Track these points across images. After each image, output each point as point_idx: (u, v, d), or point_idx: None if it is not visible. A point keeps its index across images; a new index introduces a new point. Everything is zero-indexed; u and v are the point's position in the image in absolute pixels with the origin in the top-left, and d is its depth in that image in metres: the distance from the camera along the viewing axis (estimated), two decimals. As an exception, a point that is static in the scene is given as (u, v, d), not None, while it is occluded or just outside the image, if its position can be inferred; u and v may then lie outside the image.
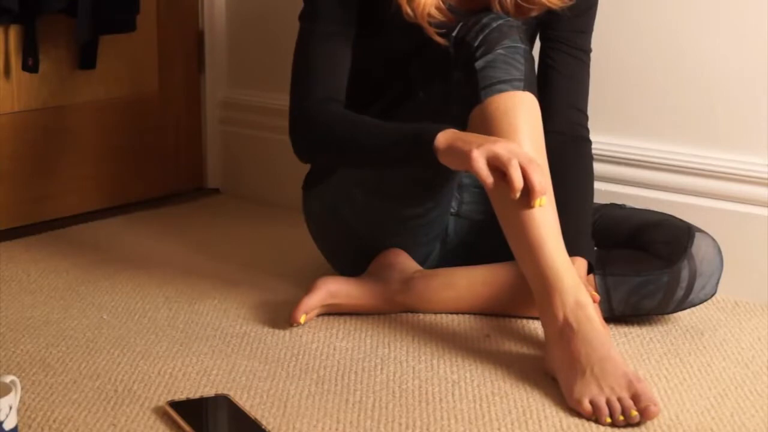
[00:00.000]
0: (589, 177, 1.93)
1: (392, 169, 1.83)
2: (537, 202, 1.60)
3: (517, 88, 1.69)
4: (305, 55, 1.86)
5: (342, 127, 1.80)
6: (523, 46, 1.73)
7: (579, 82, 1.94)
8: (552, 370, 1.62)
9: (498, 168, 1.59)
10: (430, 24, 1.77)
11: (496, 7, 1.81)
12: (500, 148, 1.59)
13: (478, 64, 1.70)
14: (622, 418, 1.49)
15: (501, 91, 1.68)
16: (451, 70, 1.74)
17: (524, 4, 1.82)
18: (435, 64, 1.79)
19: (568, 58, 1.92)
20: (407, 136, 1.70)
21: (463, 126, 1.71)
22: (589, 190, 1.91)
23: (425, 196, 1.91)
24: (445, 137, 1.65)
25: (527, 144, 1.67)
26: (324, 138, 1.82)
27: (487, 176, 1.59)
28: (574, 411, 1.53)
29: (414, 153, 1.69)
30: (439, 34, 1.76)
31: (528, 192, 1.59)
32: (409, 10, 1.76)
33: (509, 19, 1.75)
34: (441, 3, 1.79)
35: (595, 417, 1.50)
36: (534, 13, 1.83)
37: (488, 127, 1.68)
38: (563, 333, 1.59)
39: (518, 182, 1.58)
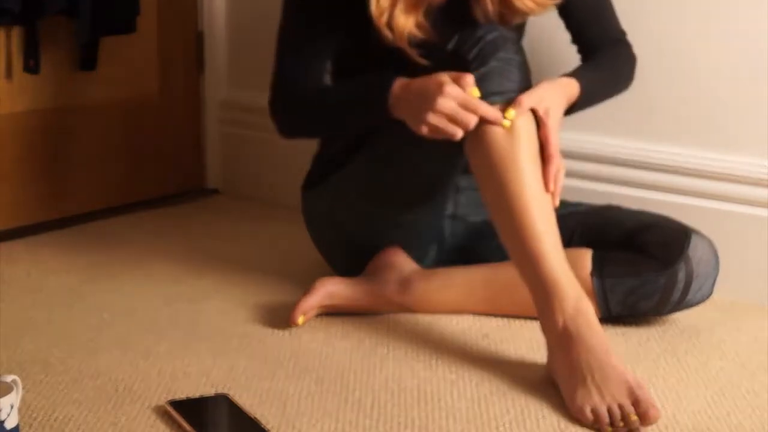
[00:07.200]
0: (620, 60, 1.97)
1: (365, 125, 1.87)
2: (506, 115, 1.66)
3: (510, 100, 1.69)
4: (287, 39, 1.92)
5: (314, 98, 1.88)
6: (517, 57, 1.73)
7: (623, 51, 2.00)
8: (553, 377, 1.62)
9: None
10: (411, 44, 1.79)
11: (480, 16, 1.83)
12: (439, 105, 1.65)
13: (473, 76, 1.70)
14: (622, 424, 1.49)
15: (494, 102, 1.68)
16: None
17: (506, 12, 1.83)
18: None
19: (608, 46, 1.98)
20: (362, 95, 1.80)
21: (458, 140, 1.72)
22: (614, 68, 1.95)
23: (421, 200, 1.91)
24: (395, 98, 1.73)
25: (525, 156, 1.67)
26: (300, 111, 1.91)
27: (446, 135, 1.67)
28: (575, 418, 1.53)
29: (372, 110, 1.77)
30: (421, 54, 1.79)
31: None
32: (388, 34, 1.79)
33: (505, 31, 1.75)
34: (423, 20, 1.80)
35: (597, 427, 1.50)
36: (517, 20, 1.86)
37: (483, 140, 1.68)
38: (563, 340, 1.59)
39: (469, 123, 1.65)
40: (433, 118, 1.66)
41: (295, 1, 1.92)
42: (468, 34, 1.73)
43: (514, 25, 1.87)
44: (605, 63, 1.95)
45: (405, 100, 1.72)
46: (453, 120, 1.66)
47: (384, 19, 1.79)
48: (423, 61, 1.78)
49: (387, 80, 1.75)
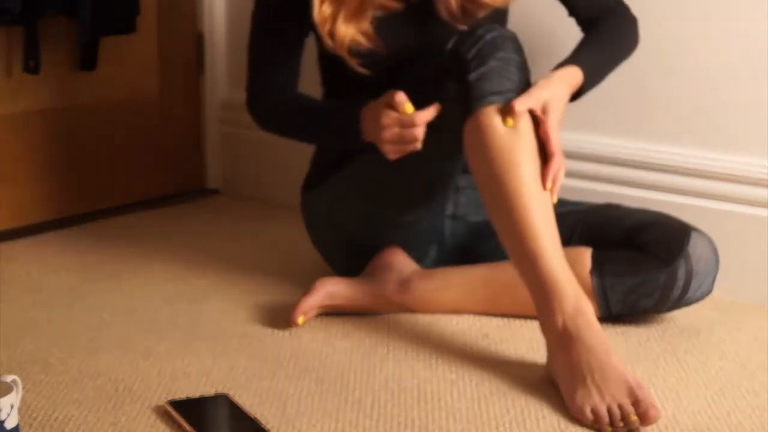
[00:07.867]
0: (621, 28, 1.95)
1: (343, 145, 1.94)
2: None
3: (509, 100, 1.69)
4: (255, 50, 1.97)
5: (285, 117, 1.94)
6: (517, 57, 1.72)
7: (622, 16, 1.98)
8: (553, 377, 1.62)
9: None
10: (353, 53, 1.82)
11: (443, 12, 1.83)
12: (384, 138, 1.72)
13: (472, 76, 1.69)
14: (622, 424, 1.49)
15: (492, 102, 1.68)
16: (445, 82, 1.74)
17: (470, 6, 1.83)
18: (419, 81, 1.80)
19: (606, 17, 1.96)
20: (338, 127, 1.84)
21: (458, 141, 1.72)
22: (614, 39, 1.93)
23: (421, 200, 1.91)
24: (364, 130, 1.78)
25: (524, 156, 1.66)
26: (273, 122, 1.99)
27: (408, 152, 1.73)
28: (575, 418, 1.53)
29: (348, 138, 1.83)
30: (362, 63, 1.82)
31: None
32: (329, 42, 1.81)
33: (504, 31, 1.75)
34: (368, 27, 1.81)
35: (597, 427, 1.50)
36: (481, 14, 1.85)
37: (481, 140, 1.68)
38: (563, 340, 1.59)
39: (417, 136, 1.70)
40: (388, 148, 1.73)
41: (259, 11, 1.95)
42: (467, 34, 1.73)
43: (498, 16, 1.87)
44: (604, 35, 1.91)
45: (367, 133, 1.78)
46: (402, 142, 1.71)
47: (327, 27, 1.80)
48: (363, 71, 1.82)
49: (356, 114, 1.79)
